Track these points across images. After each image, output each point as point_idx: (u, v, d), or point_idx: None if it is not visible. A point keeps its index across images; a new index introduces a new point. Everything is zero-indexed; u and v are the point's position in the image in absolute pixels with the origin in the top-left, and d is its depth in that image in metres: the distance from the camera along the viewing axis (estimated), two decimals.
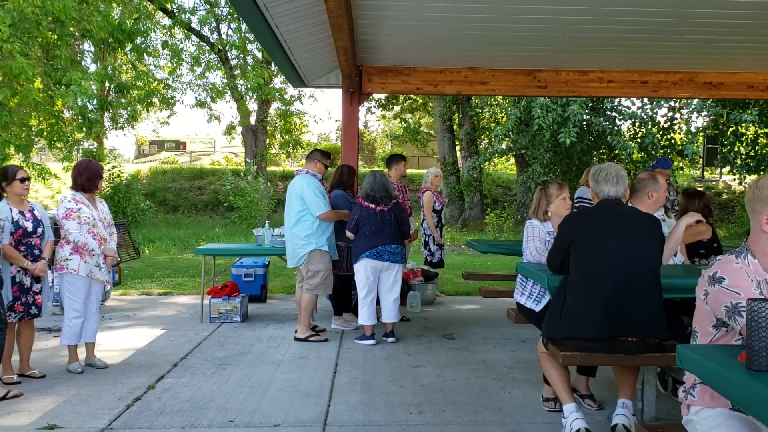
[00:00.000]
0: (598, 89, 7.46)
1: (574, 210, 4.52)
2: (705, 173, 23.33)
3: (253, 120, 20.89)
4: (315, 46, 6.07)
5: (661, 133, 14.49)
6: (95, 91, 13.51)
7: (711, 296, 2.23)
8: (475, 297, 8.35)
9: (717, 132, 15.31)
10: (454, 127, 21.18)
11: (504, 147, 15.50)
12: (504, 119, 15.12)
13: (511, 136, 15.35)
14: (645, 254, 3.34)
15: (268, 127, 21.54)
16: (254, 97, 18.95)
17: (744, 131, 14.50)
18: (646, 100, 13.99)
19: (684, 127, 13.97)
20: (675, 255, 4.01)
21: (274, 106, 21.40)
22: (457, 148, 21.27)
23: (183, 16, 17.30)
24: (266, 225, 7.06)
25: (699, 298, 2.30)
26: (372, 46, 6.37)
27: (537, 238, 4.26)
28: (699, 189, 5.55)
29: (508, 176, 24.55)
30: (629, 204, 4.12)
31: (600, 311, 3.25)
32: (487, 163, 20.12)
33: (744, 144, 14.46)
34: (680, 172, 17.28)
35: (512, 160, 22.60)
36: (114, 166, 18.99)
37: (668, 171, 7.46)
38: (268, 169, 22.56)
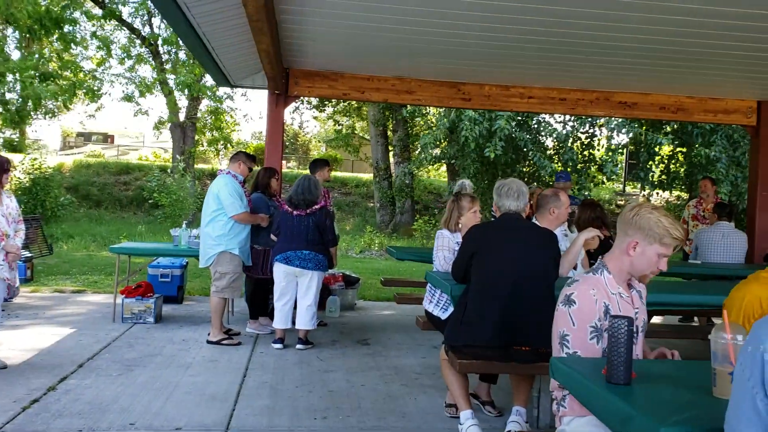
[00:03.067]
0: (519, 104, 7.69)
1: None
2: (627, 187, 24.32)
3: (182, 116, 20.47)
4: (240, 47, 6.02)
5: (581, 149, 15.04)
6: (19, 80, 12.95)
7: (558, 312, 2.37)
8: (393, 303, 8.46)
9: (636, 149, 16.03)
10: (388, 132, 21.36)
11: (438, 153, 15.76)
12: (435, 128, 15.39)
13: (440, 145, 15.63)
14: (538, 267, 3.48)
15: (197, 124, 21.15)
16: (185, 93, 18.59)
17: (658, 150, 15.22)
18: (570, 117, 14.50)
19: (604, 144, 14.53)
20: (575, 268, 4.18)
21: (205, 103, 21.06)
22: (390, 153, 21.46)
23: (114, 6, 16.79)
24: (184, 225, 6.93)
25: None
26: (298, 50, 6.37)
27: (446, 248, 4.36)
28: (593, 200, 5.81)
29: (440, 183, 24.92)
30: (535, 219, 4.29)
31: (495, 321, 3.36)
32: (418, 169, 20.47)
33: (657, 163, 15.18)
34: (602, 186, 17.91)
35: (445, 167, 22.97)
36: (35, 158, 18.22)
37: (568, 184, 7.76)
38: (196, 166, 22.15)
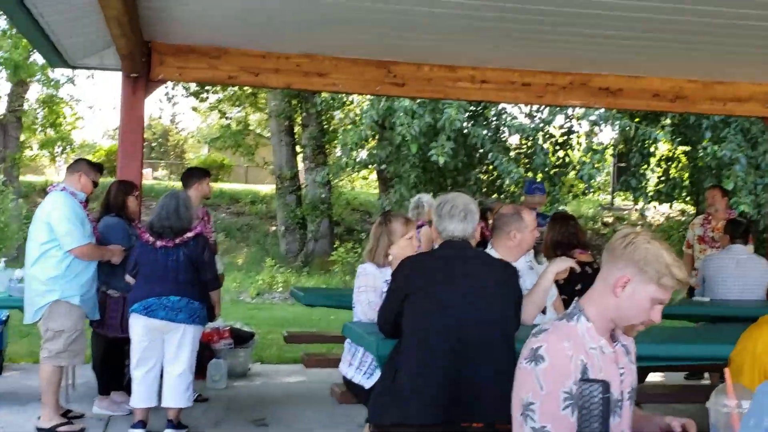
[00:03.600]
0: (470, 91, 7.87)
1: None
2: (616, 199, 25.18)
3: (1, 108, 19.93)
4: (80, 13, 5.91)
5: (554, 149, 15.47)
6: None
7: (521, 372, 2.42)
8: (301, 366, 8.44)
9: (627, 148, 16.60)
10: (296, 128, 21.38)
11: (365, 156, 15.88)
12: (360, 122, 15.50)
13: (367, 146, 15.75)
14: (494, 313, 3.54)
15: (23, 119, 20.60)
16: (7, 75, 18.14)
17: (654, 150, 15.81)
18: (538, 107, 14.90)
19: (583, 143, 14.97)
20: (544, 312, 4.28)
21: (36, 90, 20.60)
22: (299, 156, 21.49)
23: None
24: (1, 263, 6.74)
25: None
26: (164, 18, 6.32)
27: (371, 288, 4.40)
28: (565, 213, 5.99)
29: (369, 197, 25.15)
30: (490, 246, 4.38)
31: (435, 390, 3.40)
32: (338, 178, 20.58)
33: (653, 166, 15.78)
34: (582, 198, 18.48)
35: (375, 175, 23.19)
36: None
37: (543, 198, 7.95)
38: (22, 179, 21.53)
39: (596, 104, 8.21)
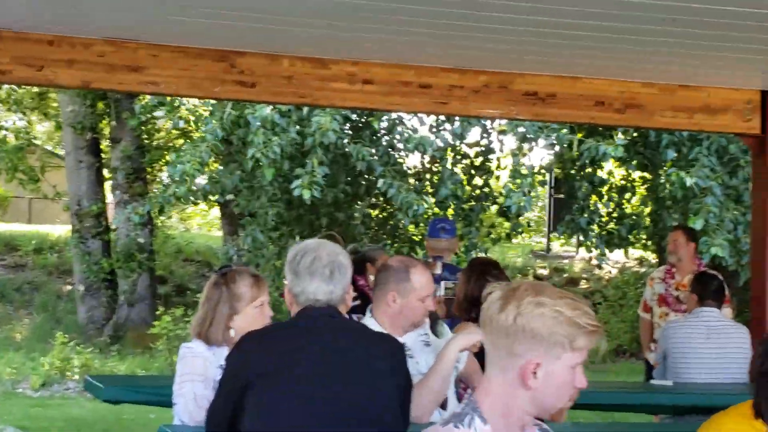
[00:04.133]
0: (347, 95, 7.94)
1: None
2: (553, 242, 25.79)
3: None
4: None
5: (468, 175, 15.69)
6: None
7: None
8: None
9: (566, 174, 16.96)
10: (102, 143, 21.05)
11: (205, 185, 15.62)
12: (198, 136, 15.34)
13: (207, 170, 15.55)
14: (372, 409, 3.58)
15: None
16: None
17: (605, 177, 16.19)
18: (441, 118, 15.06)
19: (508, 165, 15.23)
20: (444, 406, 4.34)
21: None
22: (107, 184, 21.15)
23: None
24: None
25: None
26: None
27: (199, 376, 4.37)
28: (485, 259, 6.16)
29: (211, 242, 24.94)
30: (369, 311, 4.42)
31: None
32: (164, 215, 20.26)
33: (604, 199, 16.12)
34: (506, 242, 18.71)
35: (218, 210, 22.99)
36: None
37: (447, 243, 8.05)
38: None
39: (519, 115, 8.39)
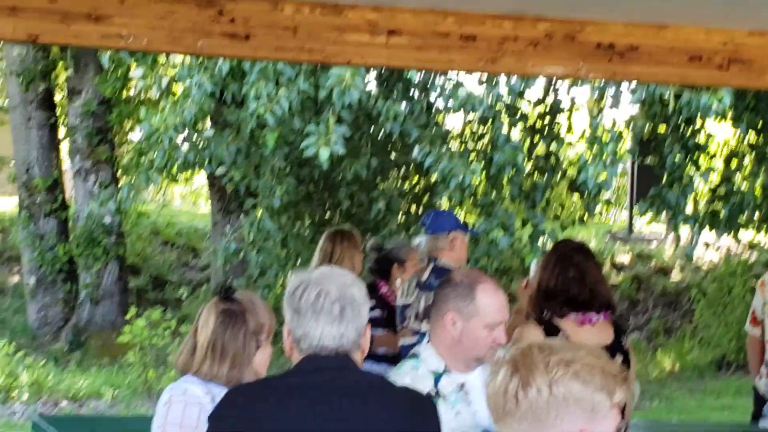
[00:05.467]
0: (367, 51, 7.91)
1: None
2: (637, 221, 25.45)
3: None
4: None
5: (528, 139, 15.59)
6: None
7: None
8: None
9: (655, 137, 16.75)
10: (57, 96, 21.07)
11: (189, 154, 15.46)
12: (184, 92, 15.18)
13: (194, 136, 15.46)
14: None
15: None
16: None
17: (707, 139, 16.02)
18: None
19: (587, 126, 15.07)
20: None
21: None
22: (64, 147, 21.11)
23: None
24: None
25: None
26: None
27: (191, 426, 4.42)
28: (576, 243, 6.26)
29: (198, 222, 24.81)
30: (426, 340, 4.51)
31: None
32: (136, 191, 20.06)
33: (703, 171, 15.92)
34: (581, 225, 18.51)
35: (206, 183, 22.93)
36: None
37: (432, 240, 8.00)
38: None
39: (591, 73, 8.34)
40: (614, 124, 14.97)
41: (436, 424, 3.85)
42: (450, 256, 8.17)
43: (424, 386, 4.61)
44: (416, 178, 16.27)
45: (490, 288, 4.64)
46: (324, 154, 12.46)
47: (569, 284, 5.95)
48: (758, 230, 18.63)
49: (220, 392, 4.35)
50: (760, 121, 15.62)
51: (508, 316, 4.77)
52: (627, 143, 16.14)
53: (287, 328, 3.88)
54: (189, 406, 4.56)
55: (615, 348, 6.05)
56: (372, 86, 14.71)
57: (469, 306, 4.55)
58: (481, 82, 15.04)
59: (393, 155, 15.75)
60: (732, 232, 16.63)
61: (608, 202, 19.15)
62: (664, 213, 15.65)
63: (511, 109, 15.33)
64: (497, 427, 2.68)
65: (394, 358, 8.08)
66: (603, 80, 13.02)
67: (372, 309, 8.51)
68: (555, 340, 2.67)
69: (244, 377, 4.59)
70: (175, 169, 15.09)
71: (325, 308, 3.77)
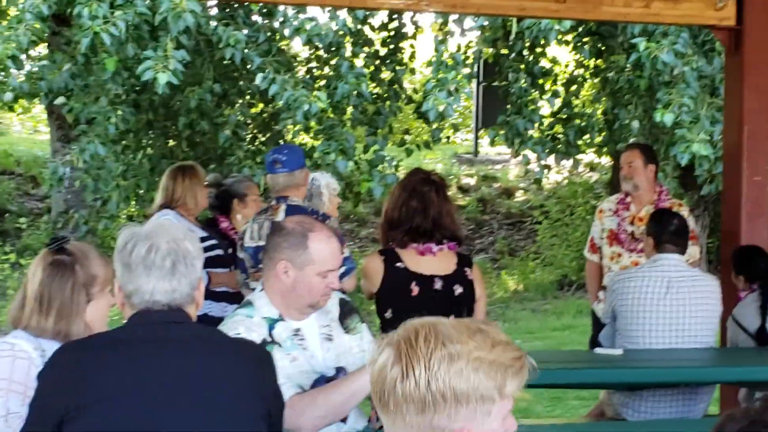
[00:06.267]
0: None
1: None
2: (482, 145, 25.58)
3: None
4: None
5: (373, 67, 15.53)
6: None
7: None
8: None
9: (498, 58, 16.78)
10: None
11: (20, 83, 15.08)
12: (12, 15, 14.82)
13: (30, 60, 15.14)
14: None
15: None
16: None
17: (550, 62, 16.09)
18: None
19: (428, 54, 15.08)
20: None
21: None
22: None
23: None
24: None
25: None
26: None
27: (17, 386, 4.34)
28: (430, 174, 6.33)
29: (37, 148, 24.32)
30: (260, 287, 4.51)
31: None
32: None
33: (546, 93, 16.04)
34: (426, 150, 18.45)
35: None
36: None
37: (286, 178, 7.86)
38: None
39: (430, 6, 8.38)
40: (459, 48, 14.95)
41: (272, 372, 3.87)
42: (300, 193, 8.10)
43: (259, 334, 4.62)
44: (261, 105, 16.10)
45: (322, 236, 4.65)
46: (162, 79, 12.21)
47: (412, 215, 6.06)
48: (599, 154, 18.95)
49: (51, 347, 4.25)
50: (602, 46, 15.71)
51: (341, 261, 4.79)
52: (471, 69, 16.09)
53: (118, 284, 3.85)
54: (18, 360, 4.39)
55: (456, 278, 6.19)
56: (214, 12, 14.52)
57: (302, 255, 4.56)
58: (324, 8, 14.98)
59: (239, 83, 15.55)
60: (573, 156, 16.79)
61: (453, 127, 19.16)
62: (510, 141, 15.67)
63: (356, 36, 15.33)
64: (377, 407, 2.66)
65: (234, 296, 8.08)
66: (440, 13, 12.96)
67: (213, 248, 8.50)
68: (449, 322, 2.53)
69: (72, 331, 4.44)
70: (4, 99, 14.72)
71: (156, 263, 3.75)
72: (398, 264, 6.13)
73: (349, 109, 14.79)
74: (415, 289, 6.07)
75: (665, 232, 7.48)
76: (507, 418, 2.68)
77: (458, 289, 6.16)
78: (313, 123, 14.51)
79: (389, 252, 6.23)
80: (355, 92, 14.05)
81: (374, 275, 6.24)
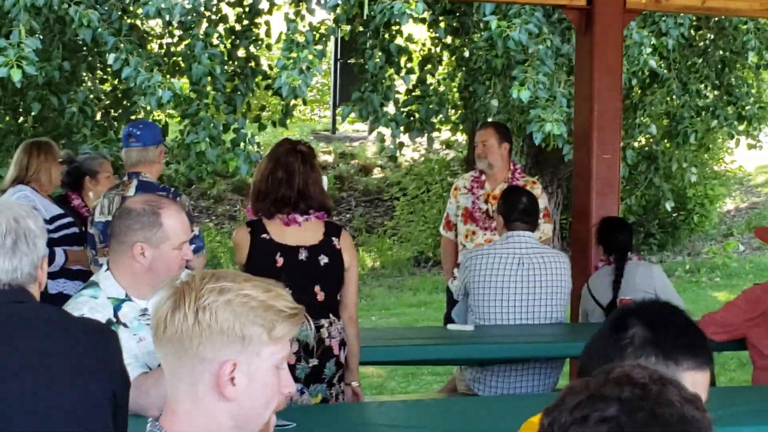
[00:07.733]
0: None
1: None
2: (338, 120, 25.48)
3: None
4: None
5: (228, 45, 15.43)
6: None
7: None
8: None
9: (355, 36, 16.76)
10: None
11: None
12: None
13: None
14: (78, 420, 3.62)
15: None
16: None
17: (405, 40, 16.10)
18: None
19: (282, 31, 14.99)
20: None
21: None
22: None
23: None
24: None
25: None
26: None
27: None
28: (298, 144, 6.38)
29: None
30: (105, 267, 4.48)
31: None
32: None
33: (404, 72, 16.04)
34: (282, 127, 18.38)
35: None
36: None
37: (140, 153, 7.72)
38: None
39: None
40: (311, 27, 14.89)
41: (117, 352, 3.82)
42: (153, 169, 8.02)
43: (103, 315, 4.58)
44: (113, 82, 15.91)
45: (172, 211, 4.65)
46: (16, 75, 11.92)
47: (278, 185, 6.11)
48: (455, 131, 19.06)
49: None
50: (457, 24, 15.79)
51: (191, 232, 4.78)
52: (325, 46, 16.05)
53: None
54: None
55: (322, 248, 6.25)
56: None
57: (157, 233, 4.54)
58: None
59: (88, 59, 15.36)
60: (428, 133, 16.82)
61: (305, 103, 19.04)
62: (367, 117, 15.61)
63: (210, 11, 15.15)
64: (154, 343, 2.69)
65: (89, 274, 7.96)
66: None
67: (69, 226, 8.40)
68: (230, 270, 2.58)
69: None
70: None
71: None
72: (264, 235, 6.19)
73: (212, 93, 14.60)
74: (279, 260, 6.12)
75: (515, 210, 7.59)
76: (283, 374, 2.71)
77: (324, 259, 6.21)
78: (171, 108, 14.41)
79: (256, 223, 6.30)
80: (209, 75, 13.97)
81: (242, 247, 6.28)
